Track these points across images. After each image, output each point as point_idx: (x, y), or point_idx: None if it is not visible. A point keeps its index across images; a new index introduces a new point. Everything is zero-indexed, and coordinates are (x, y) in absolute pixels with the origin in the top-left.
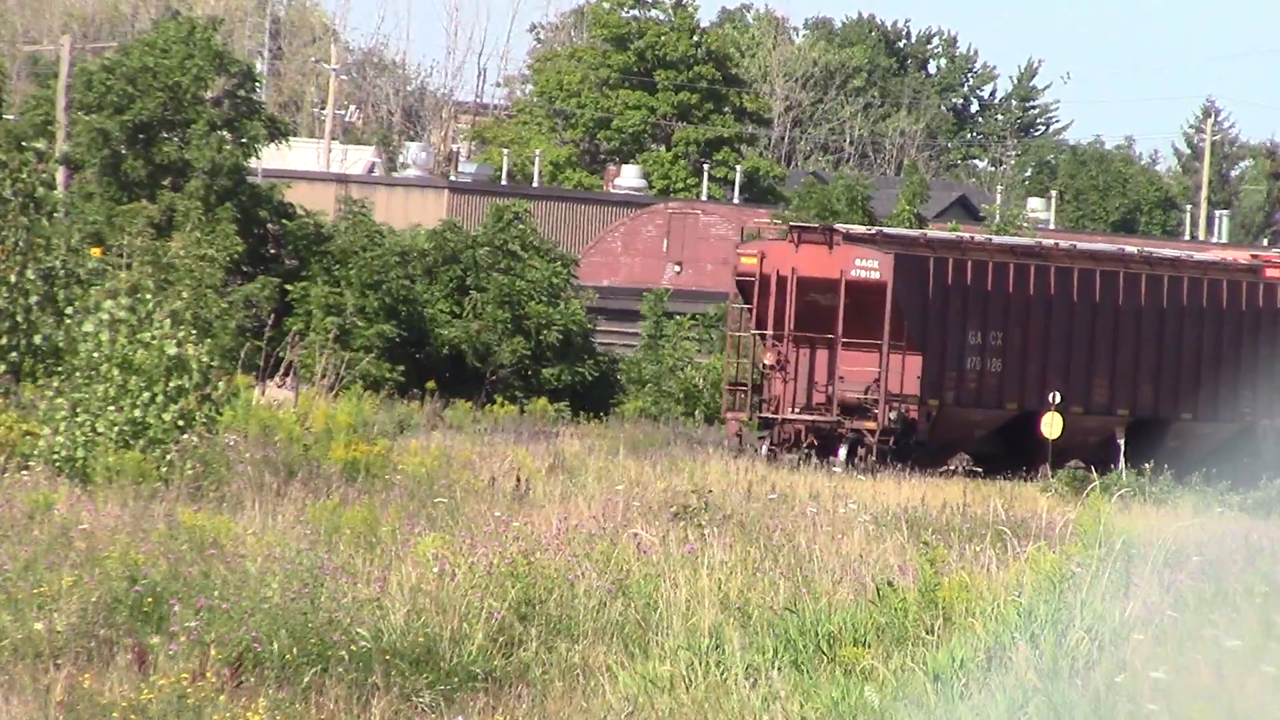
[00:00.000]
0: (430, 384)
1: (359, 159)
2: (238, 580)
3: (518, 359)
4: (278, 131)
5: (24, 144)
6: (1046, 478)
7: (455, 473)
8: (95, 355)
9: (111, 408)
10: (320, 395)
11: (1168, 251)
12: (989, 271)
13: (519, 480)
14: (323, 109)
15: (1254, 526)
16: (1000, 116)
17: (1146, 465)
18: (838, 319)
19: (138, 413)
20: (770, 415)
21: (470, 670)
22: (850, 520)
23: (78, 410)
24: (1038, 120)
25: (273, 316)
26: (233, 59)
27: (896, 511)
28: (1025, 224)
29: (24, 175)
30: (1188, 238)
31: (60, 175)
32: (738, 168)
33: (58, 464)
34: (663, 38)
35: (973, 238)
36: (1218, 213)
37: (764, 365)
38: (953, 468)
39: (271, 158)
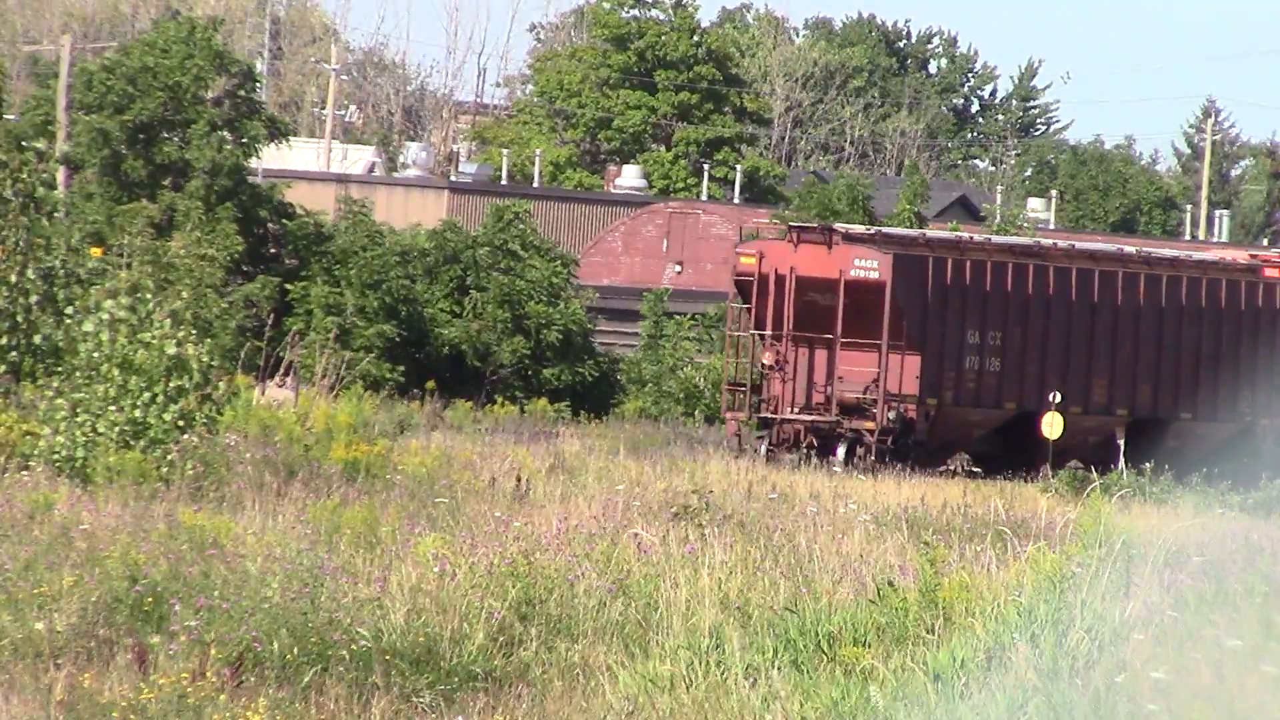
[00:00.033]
0: (430, 384)
1: (359, 159)
2: (238, 580)
3: (518, 359)
4: (278, 131)
5: (24, 144)
6: (1047, 478)
7: (455, 473)
8: (95, 355)
9: (112, 408)
10: (320, 395)
11: (1166, 251)
12: (988, 271)
13: (519, 480)
14: (323, 109)
15: (1254, 526)
16: (1000, 116)
17: (1147, 465)
18: (837, 319)
19: (138, 413)
20: (769, 415)
21: (470, 670)
22: (850, 520)
23: (78, 410)
24: (1038, 120)
25: (273, 316)
26: (233, 59)
27: (897, 511)
28: (1025, 224)
29: (24, 175)
30: (1188, 238)
31: (60, 175)
32: (738, 168)
33: (58, 464)
34: (663, 38)
35: (971, 237)
36: (1218, 213)
37: (763, 365)
38: (951, 467)
39: (271, 158)
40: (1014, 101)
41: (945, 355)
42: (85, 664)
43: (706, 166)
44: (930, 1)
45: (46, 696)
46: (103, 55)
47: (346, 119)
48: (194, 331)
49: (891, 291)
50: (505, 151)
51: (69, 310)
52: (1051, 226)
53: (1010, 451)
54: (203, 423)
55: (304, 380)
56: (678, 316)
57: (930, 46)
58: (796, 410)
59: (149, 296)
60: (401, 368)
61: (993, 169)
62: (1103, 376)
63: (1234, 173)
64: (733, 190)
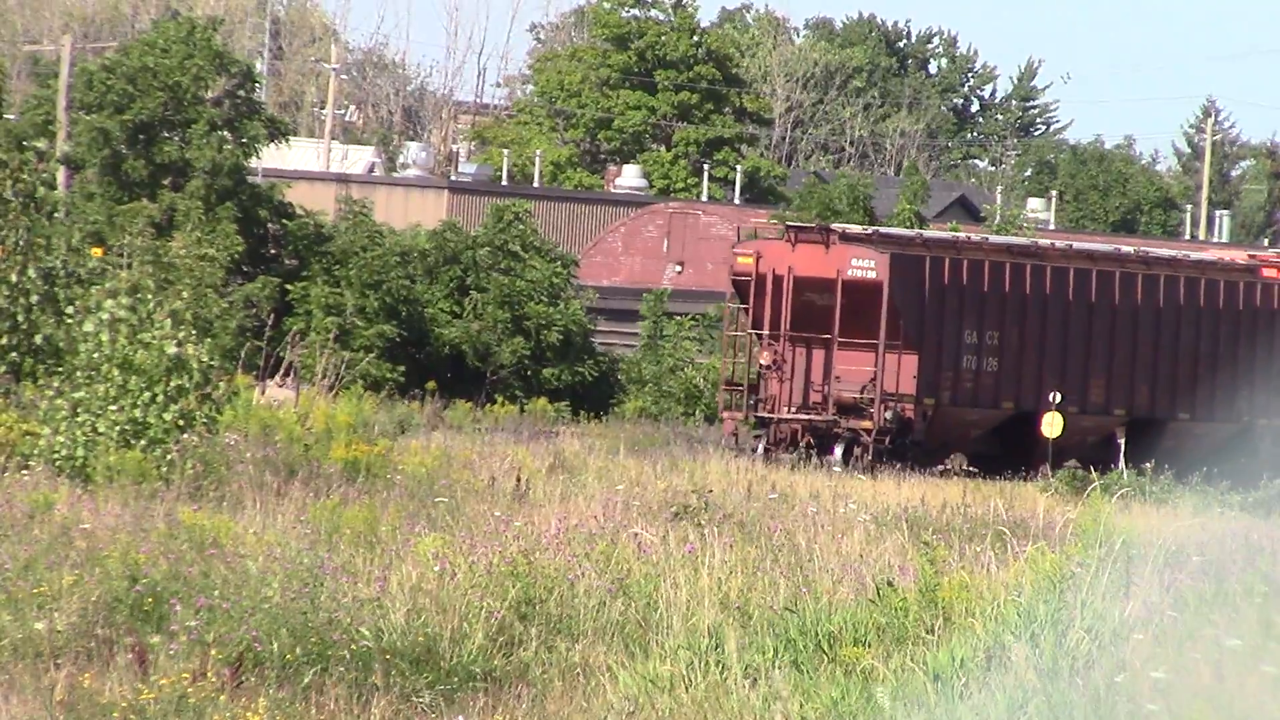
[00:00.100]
0: (430, 384)
1: (359, 159)
2: (238, 580)
3: (518, 359)
4: (278, 131)
5: (24, 144)
6: (1046, 478)
7: (455, 472)
8: (96, 355)
9: (112, 407)
10: (320, 395)
11: (1164, 251)
12: (985, 271)
13: (519, 480)
14: (323, 109)
15: (1254, 526)
16: (1000, 116)
17: (1146, 465)
18: (834, 318)
19: (138, 412)
20: (767, 415)
21: (470, 670)
22: (850, 520)
23: (78, 410)
24: (1038, 120)
25: (273, 316)
26: (233, 59)
27: (896, 511)
28: (1025, 224)
29: (25, 175)
30: (1188, 238)
31: (61, 175)
32: (738, 168)
33: (58, 464)
34: (663, 38)
35: (969, 237)
36: (1218, 213)
37: (760, 365)
38: (949, 467)
39: (271, 158)
40: (1014, 101)
41: (943, 355)
42: (85, 664)
43: (706, 167)
44: (930, 1)
45: (46, 696)
46: (103, 55)
47: (346, 119)
48: (194, 331)
49: (889, 291)
50: (505, 151)
51: (69, 310)
52: (1051, 226)
53: (1007, 451)
54: (203, 422)
55: (304, 380)
56: (678, 317)
57: (930, 46)
58: (794, 410)
59: (149, 296)
60: (402, 368)
61: (992, 169)
62: (1100, 376)
63: (1234, 173)
64: (733, 190)
